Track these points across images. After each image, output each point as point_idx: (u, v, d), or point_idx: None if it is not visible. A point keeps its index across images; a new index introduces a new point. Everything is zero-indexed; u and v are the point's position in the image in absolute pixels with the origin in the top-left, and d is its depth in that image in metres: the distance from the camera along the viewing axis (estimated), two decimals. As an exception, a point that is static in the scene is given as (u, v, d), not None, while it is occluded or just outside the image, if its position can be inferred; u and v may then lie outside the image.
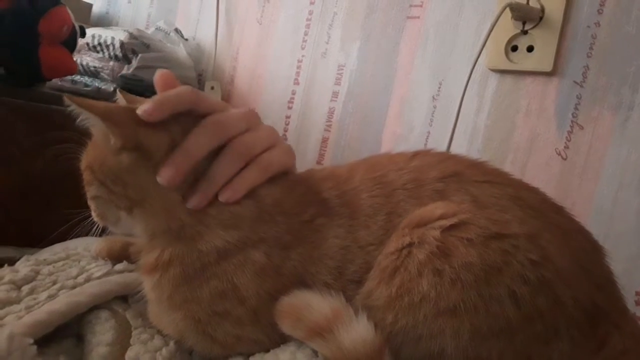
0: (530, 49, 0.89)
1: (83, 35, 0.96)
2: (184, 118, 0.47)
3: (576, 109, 0.86)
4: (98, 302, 0.48)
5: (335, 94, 1.12)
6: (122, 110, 0.46)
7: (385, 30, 1.06)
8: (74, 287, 0.49)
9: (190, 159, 0.46)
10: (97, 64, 1.16)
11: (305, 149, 1.14)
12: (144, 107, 0.45)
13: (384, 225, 0.46)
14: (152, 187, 0.46)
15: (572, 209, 0.50)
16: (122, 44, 1.12)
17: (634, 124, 0.81)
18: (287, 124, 1.18)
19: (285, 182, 0.50)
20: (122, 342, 0.45)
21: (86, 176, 0.49)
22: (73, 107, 0.45)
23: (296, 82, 1.18)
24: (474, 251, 0.41)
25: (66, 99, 0.44)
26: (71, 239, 0.56)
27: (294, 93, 1.18)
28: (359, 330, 0.41)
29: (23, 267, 0.52)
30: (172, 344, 0.46)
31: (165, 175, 0.45)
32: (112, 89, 1.13)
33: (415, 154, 0.52)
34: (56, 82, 1.03)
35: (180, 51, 1.25)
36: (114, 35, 1.14)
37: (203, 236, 0.46)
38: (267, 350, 0.45)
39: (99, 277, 0.51)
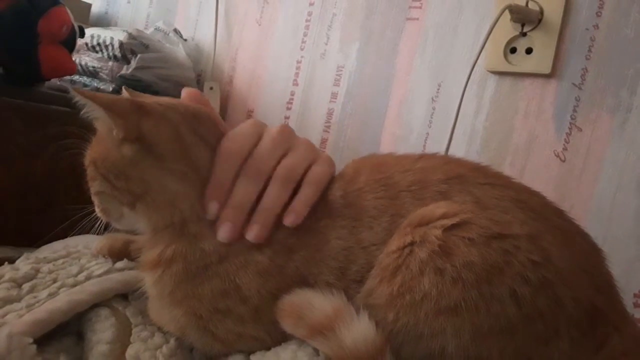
0: (529, 51, 0.89)
1: (82, 35, 0.96)
2: (188, 115, 0.48)
3: (575, 111, 0.86)
4: (99, 300, 0.48)
5: (334, 95, 1.12)
6: (125, 101, 0.46)
7: (385, 31, 1.06)
8: (74, 285, 0.49)
9: (243, 210, 0.47)
10: (96, 64, 1.16)
11: (304, 150, 1.14)
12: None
13: (388, 227, 0.46)
14: (153, 180, 0.46)
15: (571, 211, 0.50)
16: (121, 44, 1.12)
17: (632, 126, 0.81)
18: (286, 125, 1.18)
19: None
20: (123, 340, 0.45)
21: (90, 172, 0.49)
22: (78, 99, 0.45)
23: (295, 83, 1.18)
24: (475, 251, 0.41)
25: (72, 91, 0.45)
26: (73, 235, 0.56)
27: (293, 94, 1.18)
28: (360, 329, 0.41)
29: (23, 265, 0.52)
30: (172, 341, 0.46)
31: (224, 235, 0.46)
32: (110, 89, 1.13)
33: (421, 157, 0.52)
34: (55, 82, 1.03)
35: (179, 51, 1.26)
36: (113, 36, 1.14)
37: (206, 235, 0.46)
38: (268, 349, 0.45)
39: (99, 275, 0.51)
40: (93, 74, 1.17)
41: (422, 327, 0.41)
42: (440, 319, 0.40)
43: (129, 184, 0.46)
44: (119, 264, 0.55)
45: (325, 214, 0.48)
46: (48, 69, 0.87)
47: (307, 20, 1.17)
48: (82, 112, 0.46)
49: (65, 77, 1.09)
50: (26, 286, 0.49)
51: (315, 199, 0.49)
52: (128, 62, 1.14)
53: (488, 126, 0.94)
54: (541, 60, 0.88)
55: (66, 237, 0.62)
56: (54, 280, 0.50)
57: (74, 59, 0.96)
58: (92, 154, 0.49)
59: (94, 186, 0.49)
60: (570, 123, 0.86)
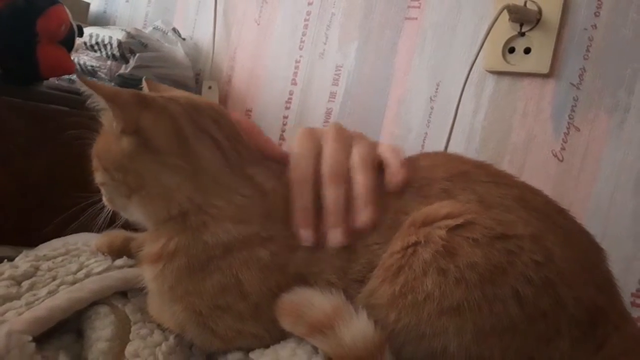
0: (527, 50, 0.90)
1: (81, 34, 0.96)
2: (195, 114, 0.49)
3: (573, 110, 0.86)
4: (98, 298, 0.48)
5: (333, 95, 1.12)
6: (128, 94, 0.46)
7: (383, 31, 1.06)
8: (73, 283, 0.49)
9: (343, 212, 0.47)
10: (94, 63, 1.16)
11: (302, 150, 1.14)
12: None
13: (391, 225, 0.46)
14: (148, 173, 0.46)
15: (569, 210, 0.50)
16: (119, 43, 1.12)
17: (630, 126, 0.82)
18: (284, 124, 1.18)
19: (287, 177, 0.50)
20: (122, 337, 0.45)
21: (94, 163, 0.49)
22: (84, 89, 0.46)
23: (294, 83, 1.18)
24: (479, 251, 0.41)
25: (78, 79, 0.46)
26: (79, 224, 0.56)
27: (291, 93, 1.18)
28: (359, 327, 0.41)
29: (23, 262, 0.52)
30: (171, 338, 0.46)
31: (337, 240, 0.46)
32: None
33: (423, 155, 0.53)
34: (53, 81, 1.02)
35: (178, 51, 1.26)
36: (112, 35, 1.14)
37: (209, 227, 0.46)
38: (267, 346, 0.45)
39: (98, 273, 0.51)
40: (92, 73, 1.17)
41: (424, 327, 0.41)
42: (443, 319, 0.40)
43: (126, 176, 0.47)
44: (119, 262, 0.55)
45: None
46: (46, 68, 0.87)
47: (305, 20, 1.17)
48: (87, 102, 0.47)
49: (63, 76, 1.09)
50: (25, 284, 0.49)
51: (374, 184, 0.48)
52: (127, 61, 1.14)
53: (486, 126, 0.94)
54: (539, 60, 0.88)
55: (71, 226, 0.62)
56: (54, 278, 0.50)
57: (72, 58, 0.96)
58: (96, 145, 0.49)
59: (97, 177, 0.49)
60: (569, 123, 0.87)
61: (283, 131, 1.18)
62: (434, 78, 1.00)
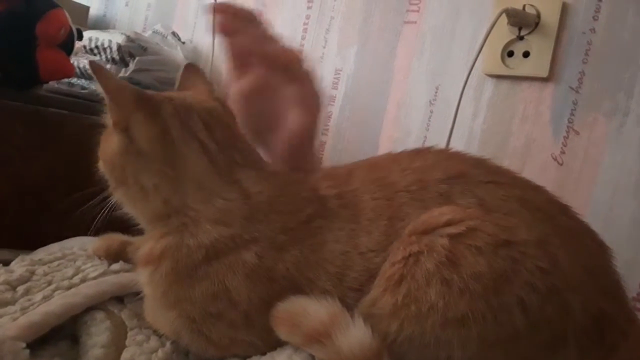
0: (526, 54, 0.89)
1: (80, 38, 0.96)
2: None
3: (572, 114, 0.86)
4: (93, 303, 0.48)
5: (332, 98, 1.12)
6: (130, 93, 0.47)
7: (382, 34, 1.06)
8: (69, 288, 0.49)
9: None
10: (94, 66, 1.16)
11: (302, 153, 1.14)
12: None
13: (386, 231, 0.45)
14: (130, 171, 0.47)
15: (572, 207, 0.49)
16: (119, 47, 1.12)
17: (629, 129, 0.81)
18: (284, 128, 1.18)
19: (279, 180, 0.50)
20: (118, 343, 0.45)
21: (98, 152, 0.51)
22: (94, 77, 0.47)
23: (293, 86, 1.18)
24: (483, 260, 0.40)
25: (91, 66, 0.47)
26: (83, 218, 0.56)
27: (291, 97, 1.18)
28: (356, 335, 0.41)
29: (18, 267, 0.52)
30: (168, 345, 0.46)
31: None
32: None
33: (417, 153, 0.51)
34: (53, 84, 1.02)
35: (178, 54, 1.25)
36: (111, 38, 1.14)
37: (188, 228, 0.46)
38: (264, 353, 0.44)
39: (94, 278, 0.51)
40: (91, 76, 1.17)
41: (428, 337, 0.40)
42: (447, 330, 0.40)
43: (113, 170, 0.49)
44: (115, 266, 0.55)
45: (319, 213, 0.47)
46: (46, 72, 0.87)
47: (304, 24, 1.17)
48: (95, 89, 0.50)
49: (63, 80, 1.09)
50: (21, 289, 0.49)
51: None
52: (126, 65, 1.14)
53: (486, 129, 0.94)
54: (538, 64, 0.88)
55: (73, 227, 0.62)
56: (49, 283, 0.50)
57: (72, 61, 0.96)
58: (100, 139, 0.51)
59: (99, 167, 0.51)
60: (568, 126, 0.86)
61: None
62: (433, 82, 1.00)
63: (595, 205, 0.83)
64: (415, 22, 1.02)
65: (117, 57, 1.14)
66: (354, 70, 1.10)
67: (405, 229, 0.44)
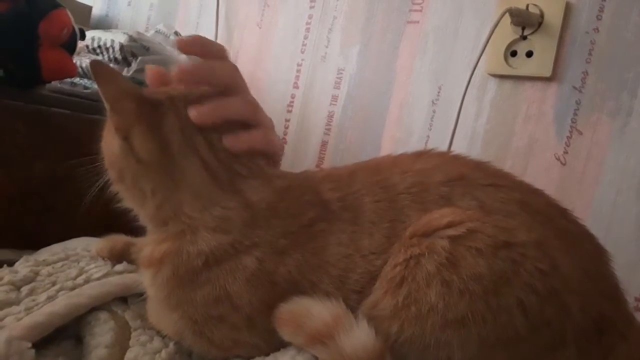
0: (529, 54, 0.89)
1: (83, 37, 0.96)
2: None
3: (575, 114, 0.86)
4: (97, 303, 0.48)
5: (334, 98, 1.12)
6: (131, 102, 0.47)
7: (385, 34, 1.06)
8: (73, 289, 0.49)
9: (220, 109, 0.49)
10: (96, 66, 1.16)
11: (304, 153, 1.14)
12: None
13: (387, 234, 0.45)
14: (128, 174, 0.48)
15: (571, 211, 0.50)
16: (121, 47, 1.12)
17: (632, 129, 0.81)
18: (286, 128, 1.18)
19: (282, 184, 0.50)
20: (121, 343, 0.45)
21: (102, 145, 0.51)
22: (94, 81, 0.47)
23: (296, 86, 1.18)
24: (482, 261, 0.40)
25: (91, 66, 0.47)
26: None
27: (293, 97, 1.18)
28: (359, 336, 0.41)
29: (22, 267, 0.52)
30: (171, 345, 0.46)
31: (194, 112, 0.47)
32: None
33: (419, 155, 0.51)
34: (56, 84, 1.02)
35: (180, 54, 1.25)
36: (114, 38, 1.14)
37: (187, 236, 0.46)
38: (267, 354, 0.45)
39: (98, 278, 0.51)
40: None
41: (428, 338, 0.40)
42: (447, 331, 0.40)
43: (113, 168, 0.49)
44: (118, 267, 0.55)
45: (321, 216, 0.47)
46: (48, 72, 0.87)
47: (307, 24, 1.17)
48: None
49: (66, 80, 1.09)
50: (25, 289, 0.49)
51: (255, 149, 0.50)
52: (129, 65, 1.14)
53: (489, 129, 0.94)
54: (541, 64, 0.88)
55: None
56: (53, 284, 0.50)
57: (74, 61, 0.96)
58: (103, 132, 0.51)
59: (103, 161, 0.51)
60: (571, 126, 0.86)
61: (285, 135, 1.17)
62: (436, 81, 1.00)
63: (598, 205, 0.83)
64: (418, 22, 1.02)
65: (119, 57, 1.14)
66: (357, 70, 1.10)
67: (406, 231, 0.44)
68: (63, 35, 0.87)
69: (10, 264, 0.55)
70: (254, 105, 0.55)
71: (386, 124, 1.05)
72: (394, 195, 0.47)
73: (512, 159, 0.91)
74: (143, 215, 0.50)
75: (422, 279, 0.41)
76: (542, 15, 0.88)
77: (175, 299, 0.46)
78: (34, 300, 0.47)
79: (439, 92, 0.99)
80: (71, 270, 0.52)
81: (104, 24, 1.52)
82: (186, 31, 1.36)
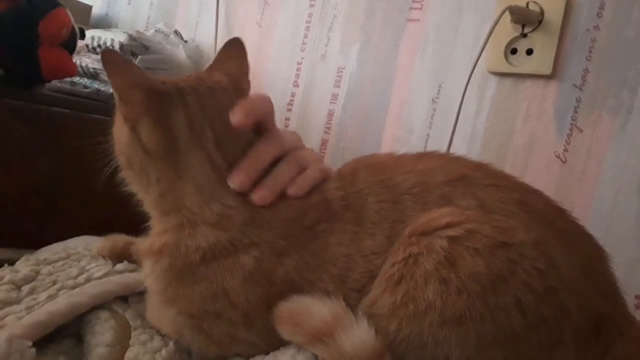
0: (529, 52, 0.89)
1: (82, 36, 0.96)
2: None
3: (575, 112, 0.86)
4: (98, 302, 0.48)
5: (334, 96, 1.12)
6: (141, 94, 0.47)
7: (385, 32, 1.06)
8: (74, 288, 0.49)
9: (258, 165, 0.49)
10: (96, 65, 1.16)
11: (304, 151, 1.14)
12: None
13: (389, 234, 0.45)
14: (135, 161, 0.48)
15: (571, 212, 0.50)
16: (121, 46, 1.12)
17: (633, 127, 0.81)
18: (286, 126, 1.18)
19: None
20: (122, 342, 0.45)
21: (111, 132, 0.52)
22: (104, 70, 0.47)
23: (296, 84, 1.18)
24: (480, 261, 0.40)
25: (102, 55, 0.47)
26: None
27: (293, 95, 1.18)
28: (359, 335, 0.41)
29: (23, 266, 0.52)
30: (171, 344, 0.46)
31: (236, 181, 0.47)
32: (111, 90, 1.13)
33: (421, 156, 0.51)
34: (55, 83, 1.03)
35: (180, 53, 1.25)
36: (114, 37, 1.14)
37: (186, 229, 0.47)
38: (267, 353, 0.45)
39: (99, 277, 0.51)
40: (93, 75, 1.17)
41: (426, 337, 0.40)
42: (445, 329, 0.40)
43: (121, 155, 0.49)
44: (119, 266, 0.55)
45: (324, 217, 0.47)
46: (48, 71, 0.87)
47: (307, 22, 1.17)
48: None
49: (65, 79, 1.09)
50: (26, 288, 0.49)
51: (318, 181, 0.50)
52: (128, 64, 1.14)
53: (489, 127, 0.94)
54: (542, 61, 0.88)
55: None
56: (54, 282, 0.50)
57: (74, 60, 0.96)
58: (114, 118, 0.52)
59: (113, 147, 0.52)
60: (571, 124, 0.86)
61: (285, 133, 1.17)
62: (436, 79, 0.99)
63: (599, 203, 0.83)
64: (418, 20, 1.02)
65: (119, 56, 1.14)
66: (357, 68, 1.10)
67: (405, 230, 0.45)
68: (63, 35, 0.87)
69: (11, 263, 0.55)
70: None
71: (386, 122, 1.05)
72: (396, 196, 0.47)
73: (513, 156, 0.91)
74: (147, 201, 0.51)
75: (420, 277, 0.41)
76: (542, 13, 0.88)
77: (172, 292, 0.46)
78: (34, 299, 0.47)
79: (439, 90, 0.99)
80: (72, 270, 0.53)
81: (103, 23, 1.52)
82: (186, 30, 1.36)
